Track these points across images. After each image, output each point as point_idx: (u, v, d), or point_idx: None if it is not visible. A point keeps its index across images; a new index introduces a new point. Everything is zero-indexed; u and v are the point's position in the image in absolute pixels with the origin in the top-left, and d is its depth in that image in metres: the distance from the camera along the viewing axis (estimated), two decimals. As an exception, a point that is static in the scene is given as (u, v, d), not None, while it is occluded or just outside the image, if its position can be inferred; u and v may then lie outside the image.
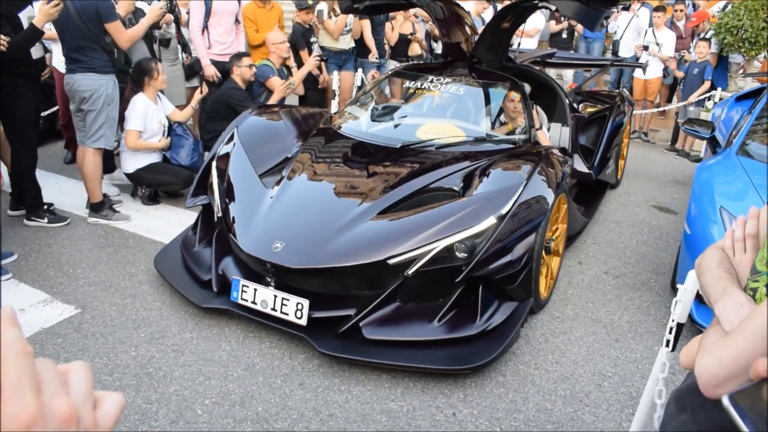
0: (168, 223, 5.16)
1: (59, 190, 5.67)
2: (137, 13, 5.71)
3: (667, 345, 2.35)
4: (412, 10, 8.09)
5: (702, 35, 8.81)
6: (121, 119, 5.30)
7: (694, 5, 9.88)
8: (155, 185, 5.54)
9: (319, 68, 7.06)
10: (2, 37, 4.21)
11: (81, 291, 4.03)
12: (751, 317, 1.05)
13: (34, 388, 0.49)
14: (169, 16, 6.12)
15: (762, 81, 8.42)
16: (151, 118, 5.35)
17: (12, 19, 4.51)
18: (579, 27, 9.95)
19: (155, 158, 5.47)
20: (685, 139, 8.56)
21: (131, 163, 5.38)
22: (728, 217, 3.70)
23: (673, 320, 2.35)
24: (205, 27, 6.48)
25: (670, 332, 2.33)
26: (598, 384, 3.38)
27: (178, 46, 6.50)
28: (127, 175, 5.47)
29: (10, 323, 0.51)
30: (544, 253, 3.81)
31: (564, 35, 9.77)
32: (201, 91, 5.82)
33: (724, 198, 3.88)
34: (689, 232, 3.95)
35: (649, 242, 5.36)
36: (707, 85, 8.37)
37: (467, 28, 5.66)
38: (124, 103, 5.30)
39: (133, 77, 5.40)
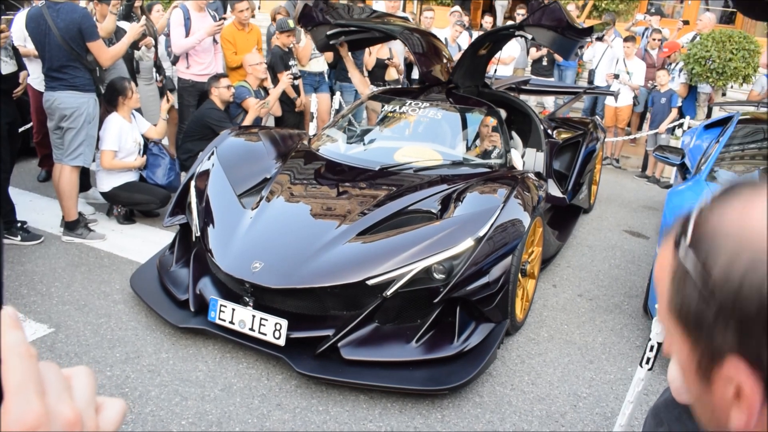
0: (144, 242, 5.12)
1: (33, 207, 5.60)
2: (118, 33, 5.72)
3: (647, 362, 2.41)
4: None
5: (672, 65, 9.05)
6: (97, 139, 5.27)
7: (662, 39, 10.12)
8: (131, 204, 5.51)
9: (297, 91, 7.10)
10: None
11: (55, 310, 3.98)
12: None
13: (39, 390, 0.48)
14: (150, 40, 6.16)
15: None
16: (125, 138, 5.33)
17: None
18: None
19: (131, 177, 5.44)
20: (655, 166, 8.75)
21: (107, 182, 5.34)
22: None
23: (651, 339, 2.40)
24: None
25: (651, 350, 2.39)
26: (574, 405, 3.42)
27: (153, 67, 6.52)
28: (103, 194, 5.43)
29: (12, 325, 0.50)
30: (520, 275, 3.87)
31: (544, 62, 9.93)
32: (168, 100, 5.83)
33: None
34: (661, 256, 4.03)
35: (622, 266, 5.46)
36: (675, 112, 8.59)
37: (444, 59, 5.78)
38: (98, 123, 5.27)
39: (106, 97, 5.36)
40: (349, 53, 6.21)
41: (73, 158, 4.90)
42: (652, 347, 2.40)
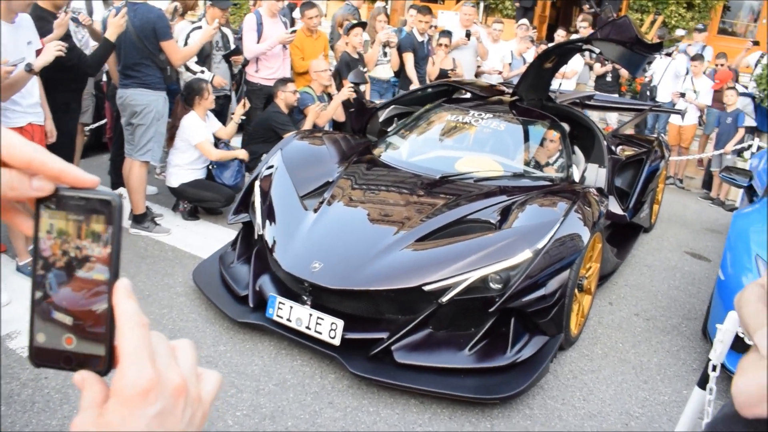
0: (206, 238, 5.28)
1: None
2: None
3: (706, 383, 2.37)
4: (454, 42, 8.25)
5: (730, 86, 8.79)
6: (169, 137, 5.48)
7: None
8: (198, 201, 5.68)
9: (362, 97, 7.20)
10: (61, 43, 4.01)
11: (121, 298, 4.14)
12: None
13: (152, 357, 0.53)
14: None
15: None
16: (201, 135, 5.54)
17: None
18: (624, 71, 9.97)
19: (200, 174, 5.62)
20: (720, 187, 8.53)
21: (176, 177, 5.53)
22: (763, 265, 3.70)
23: (711, 360, 2.37)
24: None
25: (714, 370, 2.35)
26: (625, 423, 3.38)
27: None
28: (171, 189, 5.62)
29: (128, 295, 0.55)
30: (576, 290, 3.84)
31: (608, 78, 9.78)
32: (243, 105, 5.98)
33: (759, 246, 3.89)
34: (723, 279, 3.95)
35: (681, 287, 5.35)
36: (742, 132, 8.36)
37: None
38: (175, 120, 5.47)
39: (183, 96, 5.57)
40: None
41: (142, 154, 5.10)
42: (714, 367, 2.36)
